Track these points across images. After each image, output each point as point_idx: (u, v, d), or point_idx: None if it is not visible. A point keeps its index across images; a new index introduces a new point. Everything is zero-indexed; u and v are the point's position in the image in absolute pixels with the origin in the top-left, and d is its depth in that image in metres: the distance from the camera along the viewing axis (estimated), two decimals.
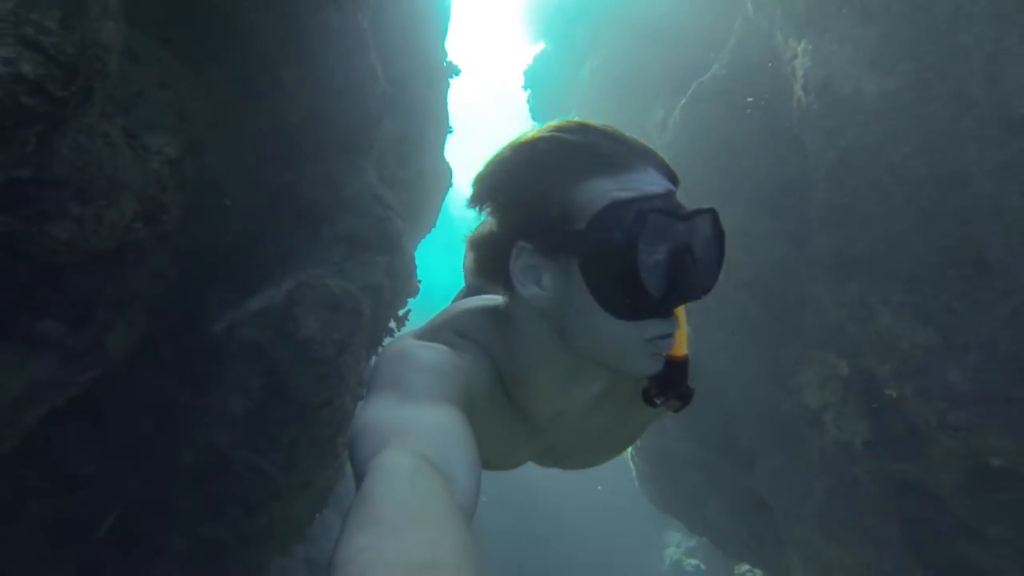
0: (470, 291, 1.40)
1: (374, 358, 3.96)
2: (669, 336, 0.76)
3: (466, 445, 0.65)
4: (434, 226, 5.71)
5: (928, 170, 2.75)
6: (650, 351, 0.77)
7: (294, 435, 2.74)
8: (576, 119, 0.80)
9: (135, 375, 3.66)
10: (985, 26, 2.66)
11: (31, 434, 2.76)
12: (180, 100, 2.59)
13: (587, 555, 14.22)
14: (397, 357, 0.80)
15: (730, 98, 3.75)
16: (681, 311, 0.84)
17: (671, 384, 0.84)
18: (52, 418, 2.82)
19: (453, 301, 1.55)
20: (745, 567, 8.81)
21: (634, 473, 8.01)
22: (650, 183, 0.74)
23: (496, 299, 0.91)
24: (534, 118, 7.72)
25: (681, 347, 0.83)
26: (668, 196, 0.75)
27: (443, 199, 5.86)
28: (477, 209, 0.83)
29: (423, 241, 6.53)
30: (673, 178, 0.78)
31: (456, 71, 7.03)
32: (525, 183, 0.77)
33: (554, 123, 0.80)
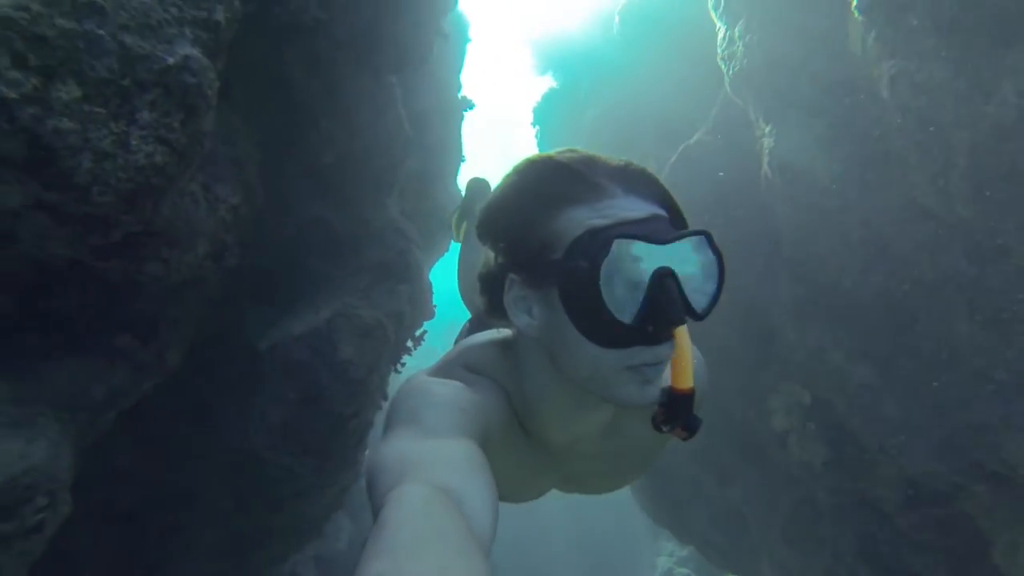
0: (477, 321, 1.49)
1: (392, 375, 4.33)
2: (658, 365, 0.75)
3: (482, 478, 0.64)
4: (447, 250, 6.11)
5: (868, 238, 3.20)
6: (638, 379, 0.75)
7: (325, 441, 3.14)
8: (565, 148, 0.80)
9: (176, 379, 4.06)
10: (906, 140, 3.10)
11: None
12: (237, 152, 3.02)
13: (583, 560, 14.36)
14: (413, 394, 0.79)
15: (713, 160, 4.20)
16: (684, 341, 0.81)
17: (676, 415, 0.81)
18: None
19: (461, 331, 1.60)
20: None
21: None
22: (629, 209, 0.73)
23: (505, 332, 0.92)
24: (541, 151, 8.09)
25: (685, 379, 0.80)
26: (648, 221, 0.73)
27: None
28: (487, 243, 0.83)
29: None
30: (665, 202, 0.76)
31: (470, 105, 7.43)
32: (511, 215, 0.78)
33: (541, 153, 0.80)
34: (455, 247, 6.81)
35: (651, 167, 0.92)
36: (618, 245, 0.69)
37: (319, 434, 3.09)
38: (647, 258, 0.70)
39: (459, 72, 7.08)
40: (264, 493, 3.73)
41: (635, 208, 0.73)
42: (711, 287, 0.75)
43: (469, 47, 7.22)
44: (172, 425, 3.91)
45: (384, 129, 4.01)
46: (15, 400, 2.35)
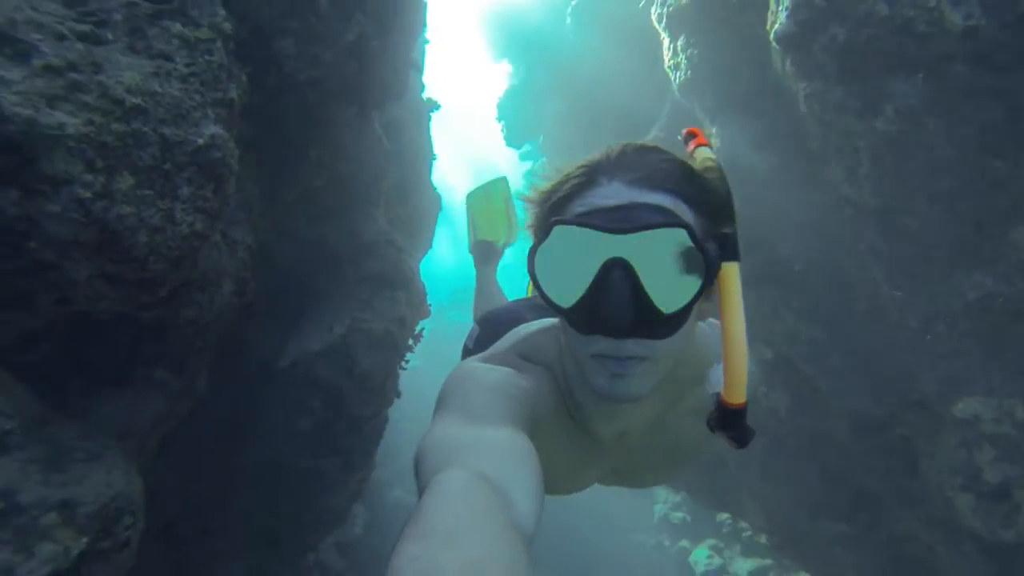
0: (484, 333, 1.54)
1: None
2: (618, 359, 0.71)
3: (528, 466, 0.62)
4: (430, 247, 6.43)
5: (804, 222, 3.68)
6: (604, 371, 0.73)
7: (349, 441, 3.50)
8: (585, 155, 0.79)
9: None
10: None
11: None
12: (245, 195, 3.29)
13: (587, 505, 14.92)
14: (464, 379, 0.78)
15: None
16: (735, 349, 0.71)
17: (727, 425, 0.76)
18: None
19: (469, 335, 1.64)
20: (725, 515, 9.76)
21: None
22: (605, 197, 0.71)
23: (554, 319, 0.91)
24: (508, 144, 8.44)
25: (736, 392, 0.73)
26: (616, 209, 0.69)
27: (436, 222, 6.58)
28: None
29: None
30: (672, 188, 0.72)
31: (436, 106, 7.64)
32: (531, 214, 0.83)
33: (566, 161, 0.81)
34: (436, 243, 7.13)
35: None
36: (558, 231, 0.69)
37: (343, 435, 3.45)
38: (600, 247, 0.67)
39: (422, 73, 7.25)
40: (293, 492, 4.09)
41: (612, 196, 0.70)
42: (691, 284, 0.68)
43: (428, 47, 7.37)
44: (199, 440, 4.22)
45: (366, 148, 4.27)
46: (82, 436, 2.65)
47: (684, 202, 0.72)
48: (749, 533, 8.99)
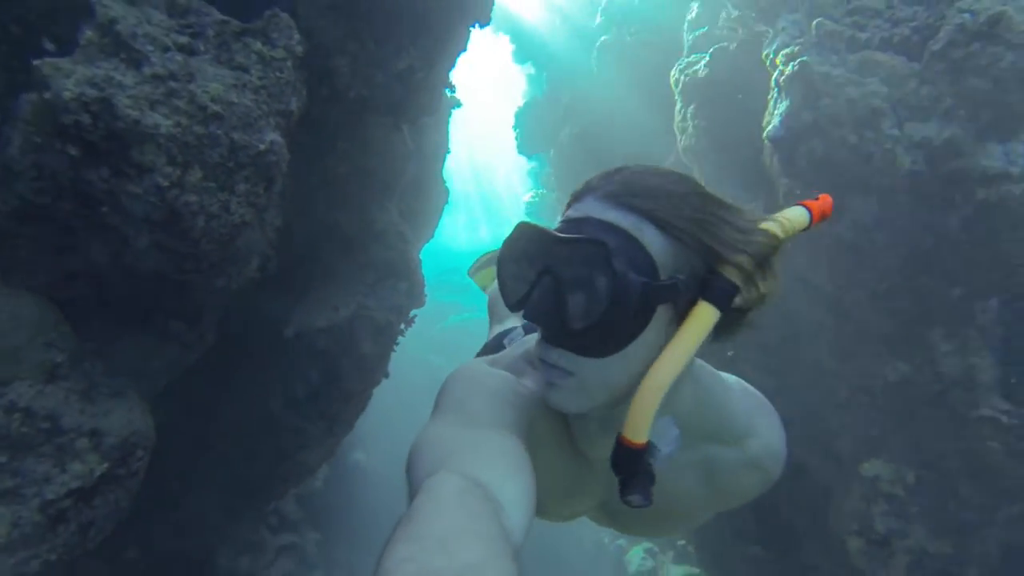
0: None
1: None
2: (546, 365, 0.71)
3: (521, 475, 0.61)
4: (432, 236, 6.72)
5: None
6: (543, 376, 0.72)
7: (337, 410, 3.84)
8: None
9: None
10: None
11: None
12: (282, 183, 3.58)
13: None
14: (462, 381, 0.77)
15: None
16: (652, 381, 0.64)
17: (616, 464, 0.67)
18: None
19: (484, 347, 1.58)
20: None
21: None
22: (576, 208, 0.71)
23: None
24: (520, 152, 8.75)
25: (634, 431, 0.65)
26: (568, 221, 0.70)
27: (441, 214, 6.87)
28: None
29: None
30: (625, 205, 0.67)
31: (458, 104, 7.85)
32: None
33: None
34: (439, 233, 7.42)
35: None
36: (517, 234, 0.71)
37: (333, 404, 3.79)
38: (542, 254, 0.68)
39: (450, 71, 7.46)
40: (275, 446, 4.43)
41: (581, 208, 0.70)
42: (598, 303, 0.64)
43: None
44: (194, 385, 4.51)
45: (390, 146, 4.56)
46: (107, 372, 2.96)
47: (654, 224, 0.66)
48: (683, 543, 9.52)
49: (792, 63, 3.45)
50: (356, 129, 3.83)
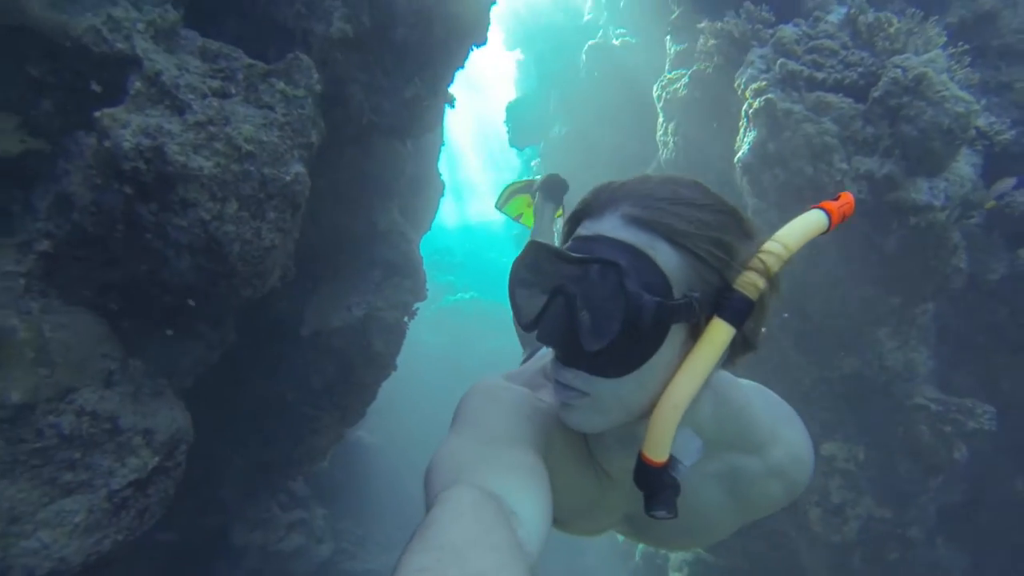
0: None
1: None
2: (560, 386, 0.69)
3: (537, 489, 0.61)
4: (429, 228, 6.96)
5: None
6: (558, 396, 0.71)
7: (350, 400, 4.16)
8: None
9: None
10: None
11: None
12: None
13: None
14: (480, 395, 0.77)
15: None
16: (668, 401, 0.64)
17: (639, 481, 0.67)
18: None
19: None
20: None
21: None
22: (587, 227, 0.69)
23: None
24: (512, 145, 8.90)
25: (655, 450, 0.65)
26: (580, 239, 0.68)
27: (438, 207, 7.09)
28: None
29: None
30: (636, 221, 0.65)
31: (452, 101, 7.98)
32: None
33: None
34: (436, 224, 7.66)
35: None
36: (529, 254, 0.69)
37: (346, 394, 4.10)
38: (554, 274, 0.67)
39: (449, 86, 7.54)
40: (291, 431, 4.75)
41: (594, 226, 0.67)
42: (612, 324, 0.62)
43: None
44: (217, 379, 4.79)
45: (391, 151, 4.79)
46: (147, 374, 3.24)
47: (667, 241, 0.64)
48: None
49: (759, 98, 3.82)
50: (361, 143, 4.05)
